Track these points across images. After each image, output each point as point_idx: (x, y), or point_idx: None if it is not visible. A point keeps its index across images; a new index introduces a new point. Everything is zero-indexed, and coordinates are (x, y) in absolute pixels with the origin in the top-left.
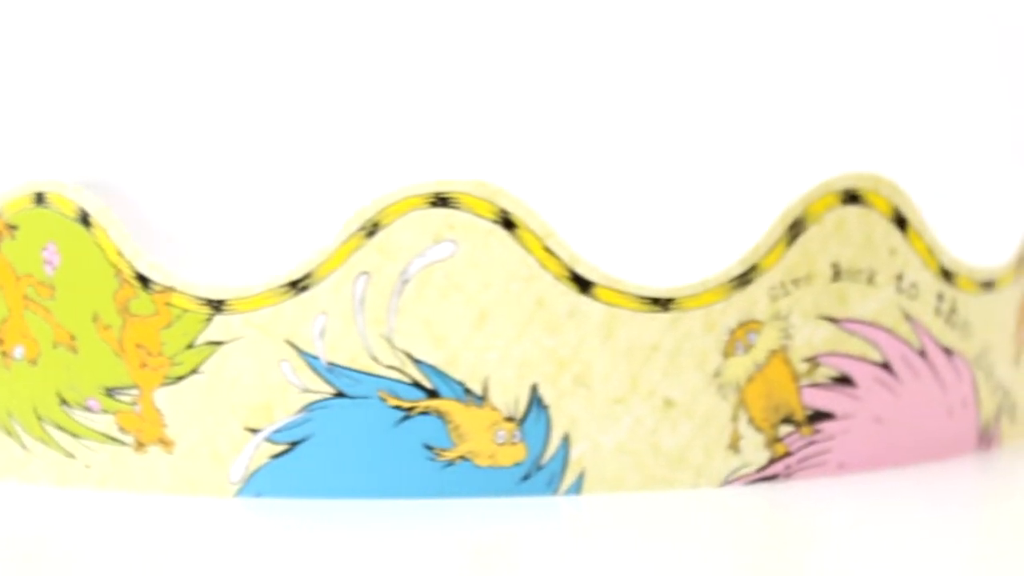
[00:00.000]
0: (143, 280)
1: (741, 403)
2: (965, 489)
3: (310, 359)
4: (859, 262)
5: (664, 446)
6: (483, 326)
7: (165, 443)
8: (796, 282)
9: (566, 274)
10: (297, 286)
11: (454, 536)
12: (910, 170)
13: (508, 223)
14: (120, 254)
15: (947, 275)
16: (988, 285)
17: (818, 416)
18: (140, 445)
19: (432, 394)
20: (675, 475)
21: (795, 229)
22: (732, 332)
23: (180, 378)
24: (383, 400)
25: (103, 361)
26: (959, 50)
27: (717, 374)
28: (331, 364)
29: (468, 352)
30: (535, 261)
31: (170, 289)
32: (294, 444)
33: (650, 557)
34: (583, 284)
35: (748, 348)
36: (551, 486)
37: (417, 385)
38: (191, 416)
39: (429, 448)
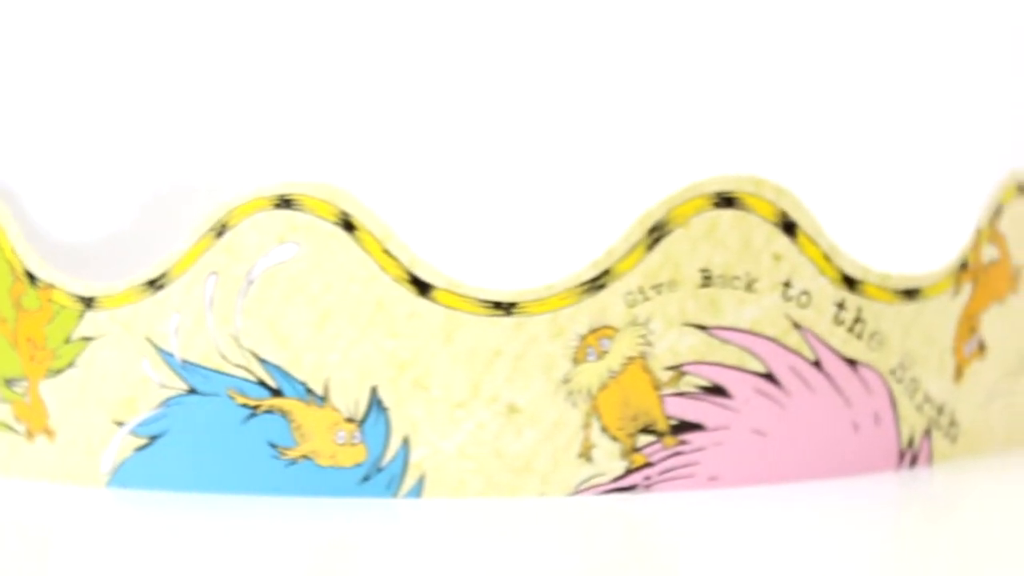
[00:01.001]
0: (31, 276)
1: (594, 411)
2: (852, 509)
3: (166, 356)
4: (735, 268)
5: (508, 452)
6: (324, 327)
7: (49, 433)
8: (658, 288)
9: (405, 276)
10: (155, 285)
11: (291, 535)
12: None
13: (348, 225)
14: (13, 251)
15: (850, 282)
16: (909, 294)
17: (685, 427)
18: (30, 434)
19: (276, 393)
20: (520, 482)
21: (656, 232)
22: (582, 338)
23: (59, 371)
24: (232, 398)
25: (2, 353)
26: (896, 50)
27: (566, 380)
28: (185, 361)
29: (310, 353)
30: (375, 263)
31: (51, 286)
32: (154, 438)
33: (485, 564)
34: (422, 287)
35: (601, 355)
36: (391, 489)
37: (262, 384)
38: (69, 408)
39: (273, 446)
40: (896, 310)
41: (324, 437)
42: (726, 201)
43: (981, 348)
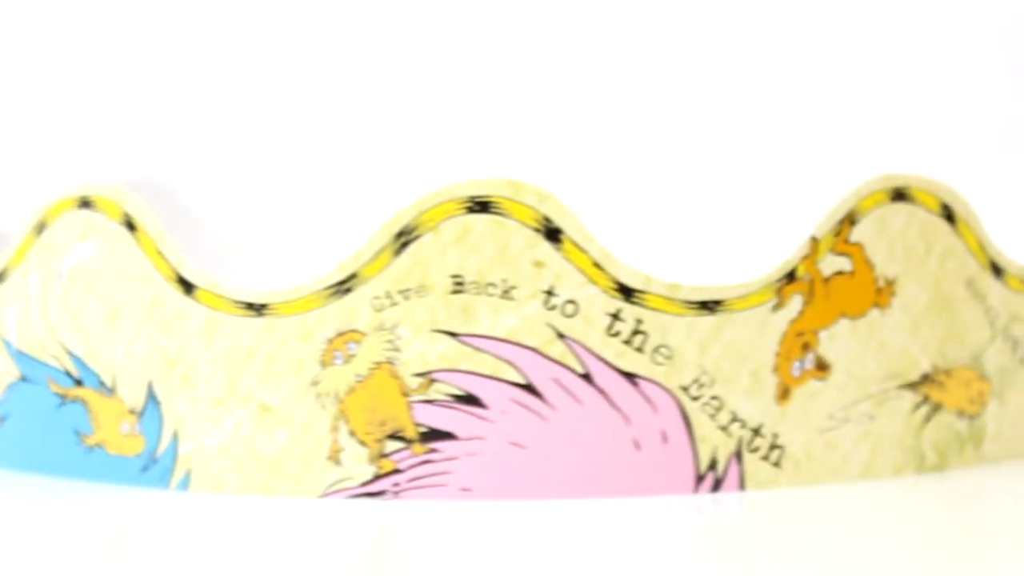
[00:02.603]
0: None
1: (341, 414)
2: (612, 532)
3: (7, 344)
4: (491, 274)
5: (263, 452)
6: (113, 323)
7: None
8: (405, 293)
9: (174, 276)
10: (1, 278)
11: (72, 519)
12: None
13: (131, 225)
14: None
15: (626, 292)
16: (707, 305)
17: (435, 435)
18: None
19: (79, 383)
20: (274, 481)
21: (404, 237)
22: (330, 341)
23: None
24: (48, 386)
25: None
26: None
27: (314, 383)
28: (19, 350)
29: (103, 346)
30: (150, 263)
31: None
32: (2, 420)
33: (222, 562)
34: (188, 286)
35: (348, 358)
36: (164, 480)
37: (68, 374)
38: None
39: (77, 433)
40: (688, 323)
41: (113, 427)
42: (480, 206)
43: (821, 367)
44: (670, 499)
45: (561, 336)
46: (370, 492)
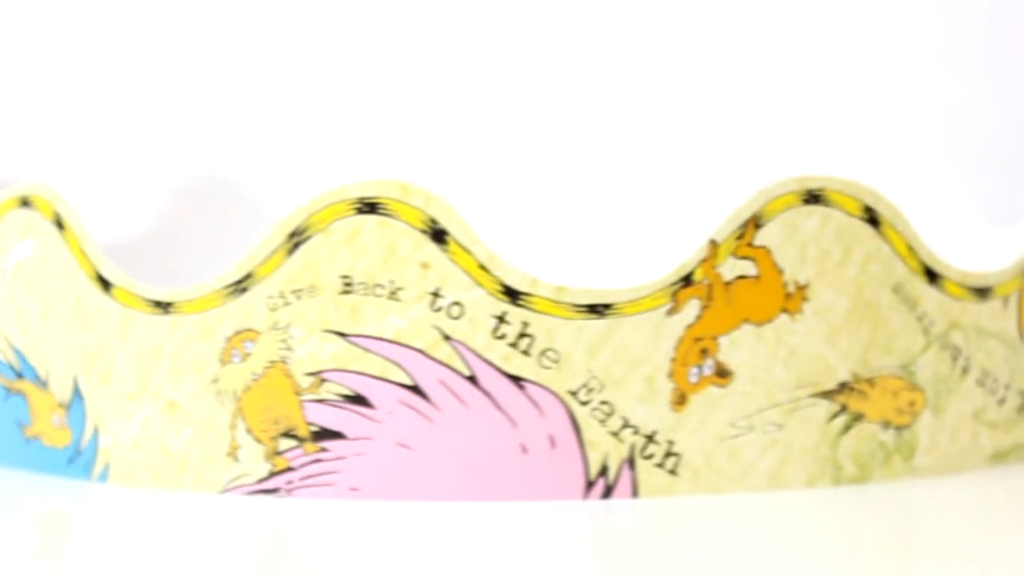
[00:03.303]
0: None
1: (239, 412)
2: (495, 536)
3: None
4: (379, 275)
5: (170, 447)
6: (46, 319)
7: None
8: (298, 293)
9: (94, 274)
10: None
11: (13, 507)
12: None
13: (60, 224)
14: None
15: (513, 295)
16: (595, 309)
17: (325, 434)
18: None
19: (20, 376)
20: (181, 477)
21: (296, 238)
22: (228, 339)
23: None
24: None
25: None
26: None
27: (215, 380)
28: None
29: (39, 341)
30: (75, 261)
31: None
32: None
33: (115, 557)
34: (106, 284)
35: (245, 357)
36: (87, 472)
37: (12, 367)
38: None
39: (19, 424)
40: (577, 326)
41: (46, 419)
42: (369, 207)
43: (721, 374)
44: (559, 504)
45: (447, 338)
46: (265, 489)
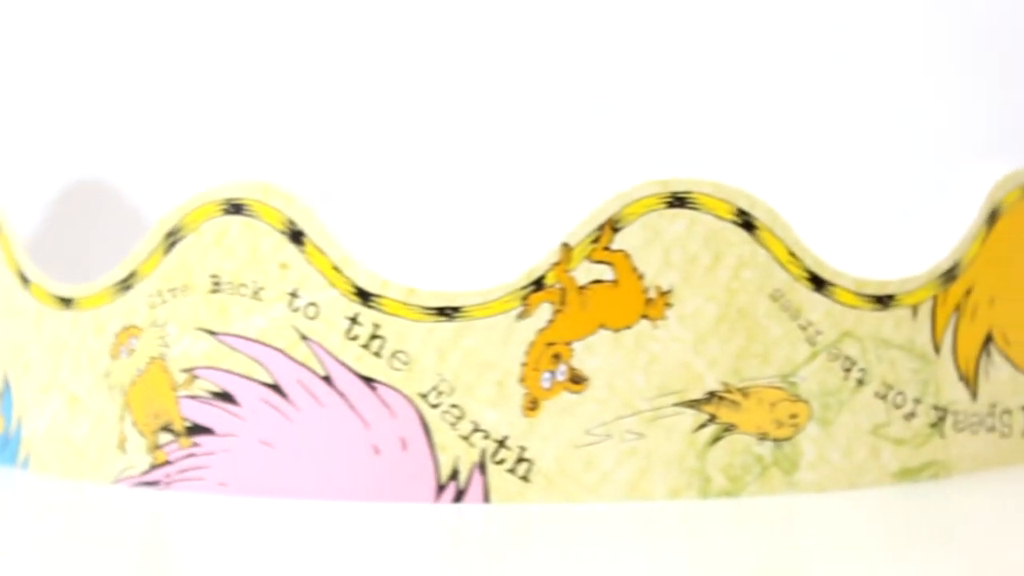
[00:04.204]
0: None
1: (127, 405)
2: (346, 536)
3: None
4: (243, 275)
5: (73, 438)
6: None
7: None
8: (173, 291)
9: (17, 270)
10: None
11: None
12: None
13: None
14: None
15: (364, 296)
16: (444, 312)
17: (197, 429)
18: None
19: None
20: (81, 467)
21: (172, 237)
22: (117, 335)
23: None
24: None
25: None
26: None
27: (107, 375)
28: None
29: None
30: (3, 257)
31: None
32: None
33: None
34: (24, 280)
35: (131, 352)
36: (13, 459)
37: None
38: None
39: None
40: (427, 328)
41: None
42: (235, 208)
43: (576, 380)
44: (411, 507)
45: (304, 338)
46: (148, 481)
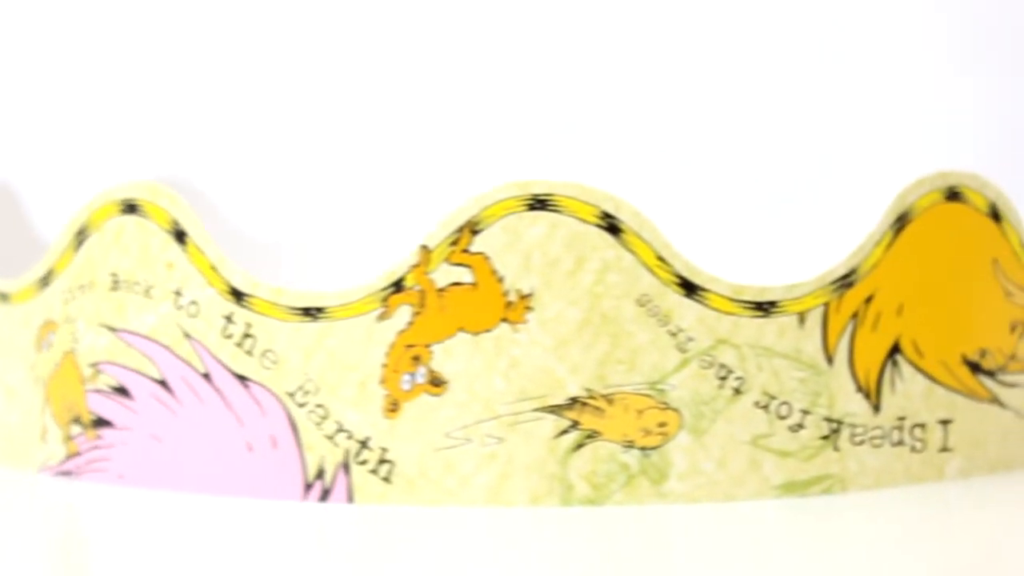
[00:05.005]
0: None
1: (47, 398)
2: (218, 532)
3: None
4: (136, 273)
5: (8, 427)
6: None
7: None
8: (82, 288)
9: None
10: None
11: None
12: None
13: None
14: None
15: (238, 295)
16: (310, 312)
17: (101, 422)
18: None
19: None
20: (14, 455)
21: (80, 236)
22: (39, 329)
23: None
24: None
25: None
26: None
27: (33, 367)
28: None
29: None
30: None
31: None
32: None
33: None
34: None
35: (50, 346)
36: None
37: None
38: None
39: None
40: (294, 328)
41: None
42: (130, 207)
43: (435, 383)
44: (281, 504)
45: (188, 336)
46: (64, 471)
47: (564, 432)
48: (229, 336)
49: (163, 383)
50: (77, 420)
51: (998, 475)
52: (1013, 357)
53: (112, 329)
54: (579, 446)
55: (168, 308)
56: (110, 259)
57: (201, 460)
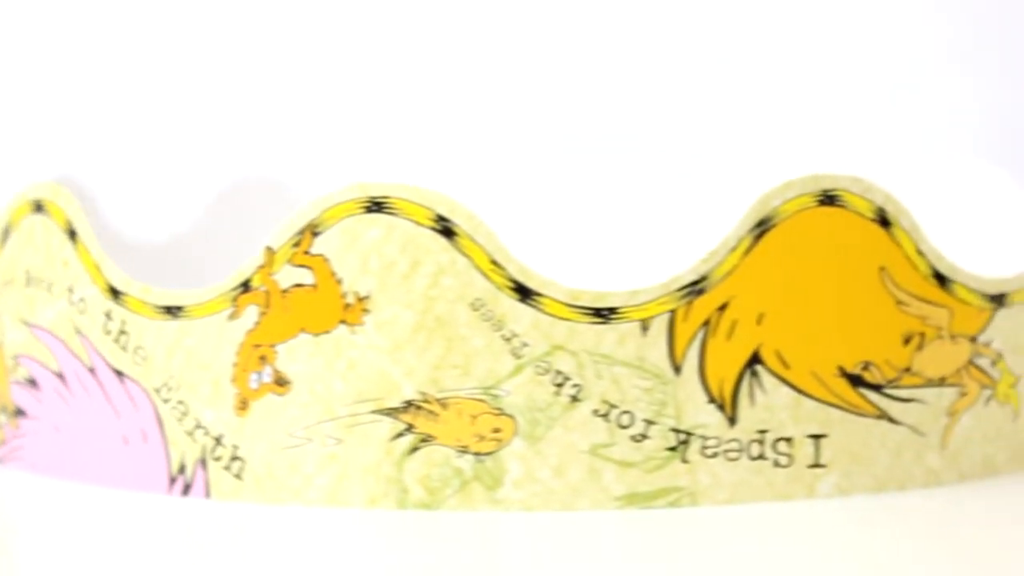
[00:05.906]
0: None
1: None
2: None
3: None
4: (42, 271)
5: None
6: None
7: None
8: (8, 283)
9: None
10: None
11: None
12: None
13: None
14: None
15: (115, 293)
16: (172, 311)
17: (19, 412)
18: None
19: None
20: None
21: (6, 234)
22: None
23: None
24: None
25: None
26: None
27: None
28: None
29: None
30: None
31: None
32: None
33: None
34: None
35: None
36: None
37: None
38: None
39: None
40: (158, 326)
41: None
42: (38, 207)
43: (280, 382)
44: (149, 496)
45: (78, 331)
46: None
47: (400, 435)
48: (108, 332)
49: (60, 376)
50: (3, 409)
51: (887, 493)
52: (907, 370)
53: (26, 324)
54: (414, 449)
55: (63, 304)
56: (24, 256)
57: (89, 451)
